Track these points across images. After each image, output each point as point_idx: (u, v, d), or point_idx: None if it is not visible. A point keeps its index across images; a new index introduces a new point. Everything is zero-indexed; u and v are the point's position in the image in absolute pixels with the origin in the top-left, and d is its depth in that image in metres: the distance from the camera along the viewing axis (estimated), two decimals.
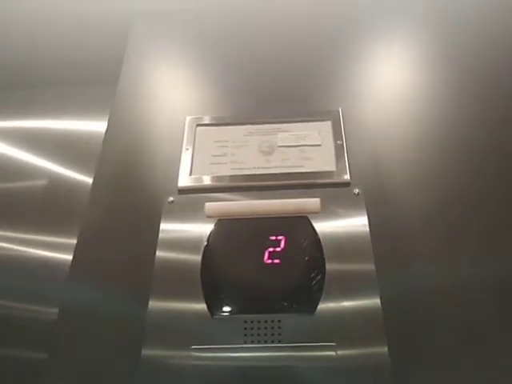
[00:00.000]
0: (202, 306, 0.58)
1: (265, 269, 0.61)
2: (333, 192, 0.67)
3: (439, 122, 0.76)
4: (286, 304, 0.58)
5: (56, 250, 0.83)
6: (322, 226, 0.63)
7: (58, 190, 0.94)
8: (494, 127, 0.74)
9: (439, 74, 0.82)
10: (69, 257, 0.67)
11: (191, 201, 0.67)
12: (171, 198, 0.68)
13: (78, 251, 0.66)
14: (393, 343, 0.53)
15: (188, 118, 0.78)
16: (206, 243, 0.63)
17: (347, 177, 0.68)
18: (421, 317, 0.57)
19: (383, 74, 0.84)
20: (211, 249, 0.63)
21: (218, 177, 0.71)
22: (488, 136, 0.73)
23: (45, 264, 0.83)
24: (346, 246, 0.61)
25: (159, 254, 0.62)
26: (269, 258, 0.61)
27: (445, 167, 0.70)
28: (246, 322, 0.56)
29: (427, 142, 0.73)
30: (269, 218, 0.65)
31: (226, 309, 0.58)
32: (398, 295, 0.58)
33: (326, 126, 0.75)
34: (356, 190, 0.66)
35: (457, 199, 0.66)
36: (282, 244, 0.62)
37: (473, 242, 0.63)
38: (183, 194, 0.69)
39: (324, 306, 0.57)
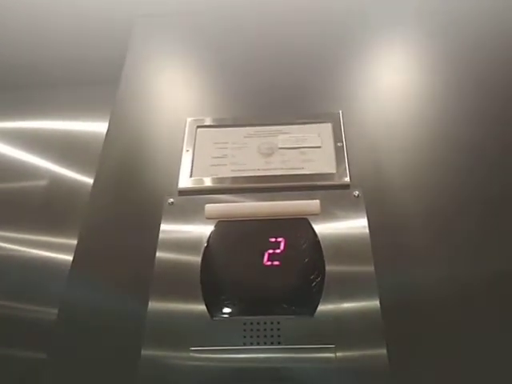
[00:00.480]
0: (201, 308, 0.58)
1: (264, 271, 0.61)
2: (333, 194, 0.67)
3: (440, 124, 0.76)
4: (285, 306, 0.58)
5: (56, 251, 0.83)
6: (322, 228, 0.63)
7: (58, 190, 0.94)
8: (493, 126, 0.74)
9: (439, 76, 0.82)
10: (69, 257, 0.67)
11: (191, 202, 0.68)
12: (171, 200, 0.68)
13: (78, 252, 0.67)
14: (392, 345, 0.53)
15: (188, 120, 0.78)
16: (205, 245, 0.63)
17: (347, 179, 0.69)
18: (420, 319, 0.57)
19: (384, 76, 0.84)
20: (211, 250, 0.63)
21: (218, 178, 0.71)
22: (488, 135, 0.73)
23: (45, 264, 0.83)
24: (346, 247, 0.61)
25: (159, 255, 0.63)
26: (268, 260, 0.61)
27: (446, 169, 0.70)
28: (245, 323, 0.56)
29: (428, 144, 0.73)
30: (268, 219, 0.65)
31: (226, 310, 0.58)
32: (397, 297, 0.58)
33: (327, 128, 0.75)
34: (356, 192, 0.67)
35: (458, 201, 0.66)
36: (282, 246, 0.62)
37: (473, 244, 0.63)
38: (183, 195, 0.69)
39: (323, 307, 0.57)
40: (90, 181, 0.80)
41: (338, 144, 0.73)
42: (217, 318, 0.57)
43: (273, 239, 0.63)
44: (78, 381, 0.57)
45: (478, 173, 0.69)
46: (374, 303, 0.56)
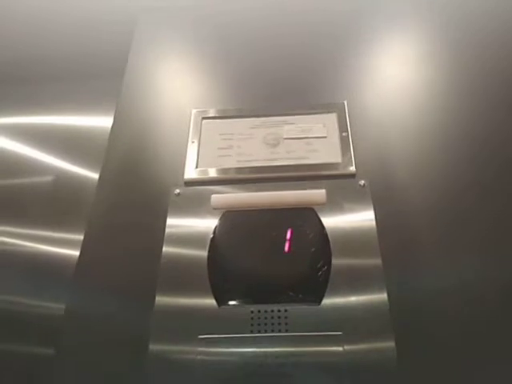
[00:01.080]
0: (209, 297, 0.58)
1: (271, 260, 0.61)
2: (338, 184, 0.67)
3: (444, 113, 0.75)
4: (292, 294, 0.58)
5: (63, 246, 0.83)
6: (328, 218, 0.63)
7: (64, 185, 0.94)
8: (497, 119, 0.74)
9: (443, 67, 0.82)
10: (75, 252, 0.67)
11: (197, 193, 0.68)
12: (177, 191, 0.68)
13: (84, 247, 0.67)
14: (399, 337, 0.53)
15: (194, 111, 0.79)
16: (212, 235, 0.63)
17: (353, 168, 0.69)
18: (427, 311, 0.57)
19: (388, 66, 0.84)
20: (218, 240, 0.63)
21: (223, 169, 0.71)
22: (491, 128, 0.73)
23: (51, 260, 0.83)
24: (352, 237, 0.61)
25: (166, 246, 0.63)
26: (275, 249, 0.61)
27: (450, 158, 0.70)
28: (252, 311, 0.57)
29: (432, 133, 0.73)
30: (274, 209, 0.65)
31: (233, 299, 0.58)
32: (404, 288, 0.58)
33: (332, 118, 0.75)
34: (362, 182, 0.66)
35: (463, 191, 0.66)
36: (288, 235, 0.62)
37: (480, 235, 0.62)
38: (189, 186, 0.69)
39: (330, 297, 0.57)
40: (95, 175, 0.80)
41: (343, 134, 0.73)
42: (224, 307, 0.57)
43: (279, 229, 0.63)
44: (86, 377, 0.57)
45: (482, 162, 0.69)
46: (381, 293, 0.56)
